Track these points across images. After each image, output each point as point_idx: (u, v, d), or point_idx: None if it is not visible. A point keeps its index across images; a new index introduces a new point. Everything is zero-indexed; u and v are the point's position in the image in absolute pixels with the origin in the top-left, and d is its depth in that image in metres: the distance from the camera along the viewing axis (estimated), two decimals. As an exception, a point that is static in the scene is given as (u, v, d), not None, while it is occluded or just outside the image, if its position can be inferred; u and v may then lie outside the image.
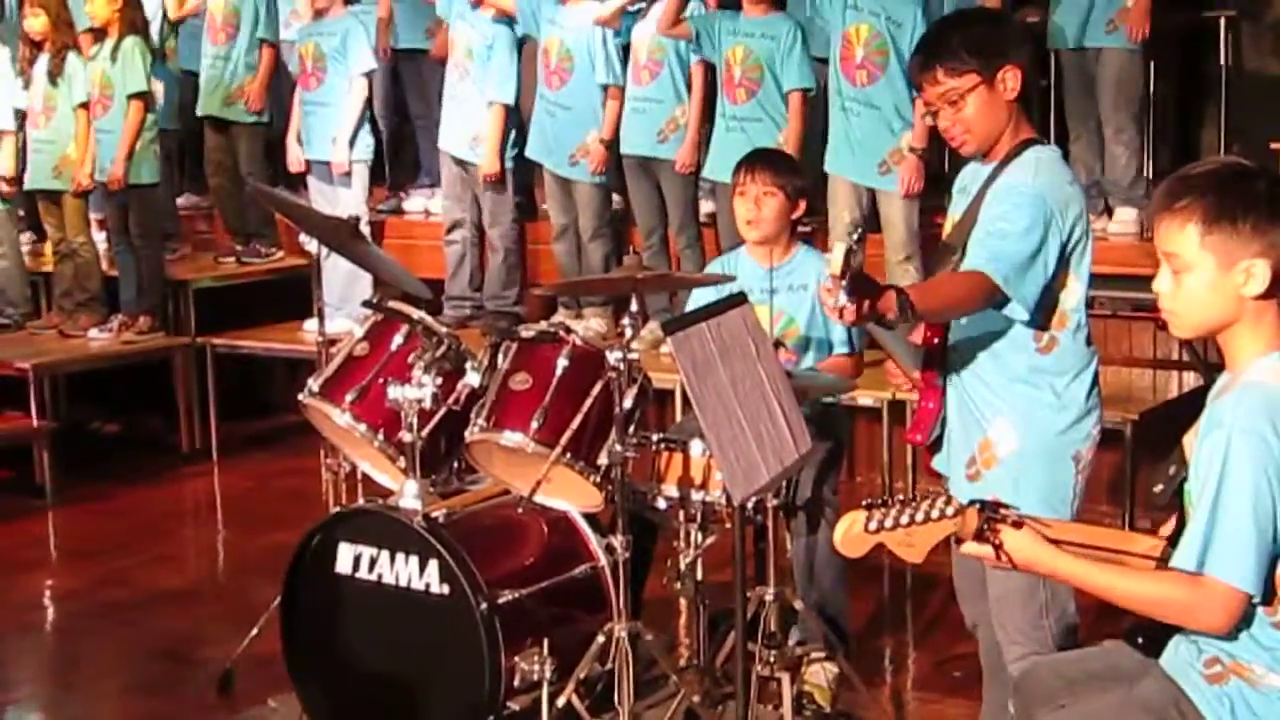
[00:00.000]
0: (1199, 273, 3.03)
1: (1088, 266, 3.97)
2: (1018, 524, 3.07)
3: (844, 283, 3.47)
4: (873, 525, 3.08)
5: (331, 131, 8.68)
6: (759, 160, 5.28)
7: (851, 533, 3.11)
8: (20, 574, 7.13)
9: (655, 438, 4.83)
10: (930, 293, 3.85)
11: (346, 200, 8.53)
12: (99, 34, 8.73)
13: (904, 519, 3.07)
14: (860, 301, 3.51)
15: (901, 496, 3.11)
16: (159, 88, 9.24)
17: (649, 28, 7.70)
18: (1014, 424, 3.95)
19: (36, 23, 8.66)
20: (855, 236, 3.65)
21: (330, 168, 8.73)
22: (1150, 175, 7.68)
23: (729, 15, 7.54)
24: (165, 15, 9.71)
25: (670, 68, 7.67)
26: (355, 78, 8.65)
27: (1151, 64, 7.69)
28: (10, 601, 6.79)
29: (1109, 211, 7.62)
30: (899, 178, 7.09)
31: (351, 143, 8.69)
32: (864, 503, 3.12)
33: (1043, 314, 3.91)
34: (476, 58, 8.21)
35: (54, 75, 8.67)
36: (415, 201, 9.54)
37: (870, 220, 7.24)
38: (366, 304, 5.43)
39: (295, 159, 8.97)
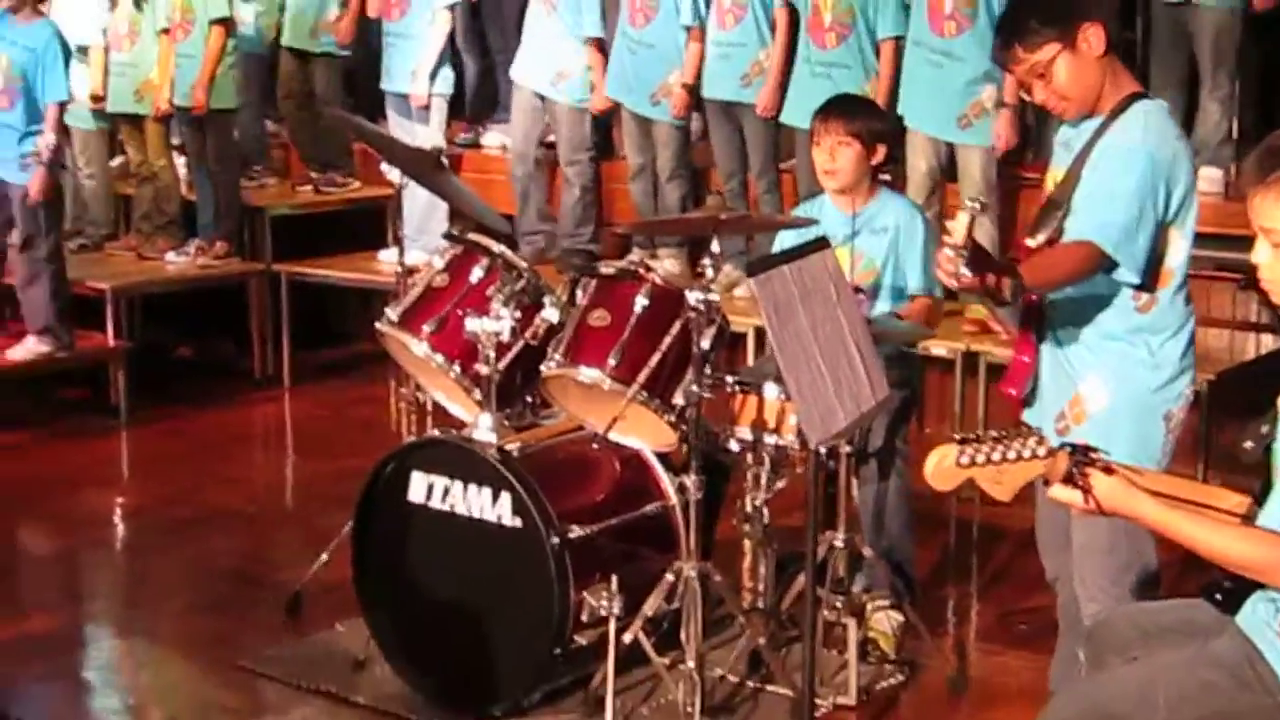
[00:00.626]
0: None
1: (1193, 224, 3.94)
2: (1108, 469, 3.06)
3: (965, 253, 3.52)
4: (964, 459, 3.08)
5: (412, 64, 8.63)
6: (834, 109, 5.24)
7: (943, 465, 3.10)
8: (92, 491, 7.22)
9: (730, 379, 4.82)
10: (1041, 268, 3.85)
11: (424, 134, 8.48)
12: None
13: (996, 455, 3.07)
14: (979, 276, 3.55)
15: (994, 433, 3.10)
16: (249, 12, 9.28)
17: None
18: (1106, 380, 3.94)
19: None
20: (978, 206, 3.65)
21: (409, 100, 8.68)
22: (1236, 136, 7.59)
23: None
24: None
25: (754, 11, 7.59)
26: (439, 10, 8.57)
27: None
28: (82, 518, 6.86)
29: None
30: (991, 131, 7.01)
31: (432, 76, 8.62)
32: (957, 437, 3.12)
33: (1151, 274, 3.88)
34: None
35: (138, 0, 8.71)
36: (492, 136, 9.50)
37: (947, 169, 7.20)
38: (447, 236, 5.43)
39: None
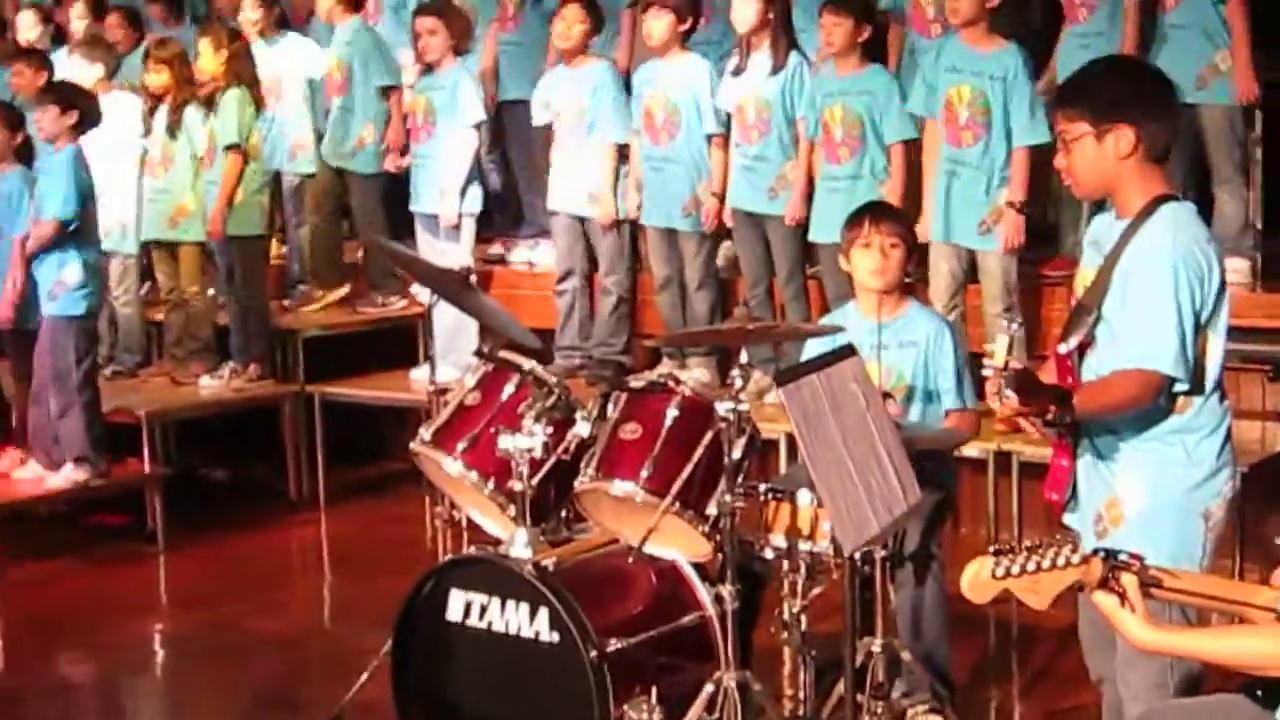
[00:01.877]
0: None
1: (1225, 321, 3.92)
2: (1144, 578, 3.06)
3: (1005, 374, 3.56)
4: (999, 571, 3.09)
5: (441, 184, 8.67)
6: (882, 212, 5.29)
7: (979, 579, 3.11)
8: (132, 618, 7.19)
9: (763, 488, 4.80)
10: (1098, 397, 3.85)
11: (454, 253, 8.50)
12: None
13: (1030, 566, 3.08)
14: (1023, 398, 3.58)
15: (1028, 543, 3.11)
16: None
17: (754, 86, 7.69)
18: (1143, 481, 3.92)
19: (158, 78, 8.76)
20: (1015, 327, 3.68)
21: (438, 220, 8.72)
22: (1259, 225, 7.60)
23: (822, 77, 7.52)
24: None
25: (777, 125, 7.64)
26: (465, 129, 8.65)
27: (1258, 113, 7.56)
28: (122, 644, 6.85)
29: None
30: (999, 234, 7.03)
31: (461, 195, 8.67)
32: (991, 549, 3.12)
33: (1196, 379, 3.89)
34: (590, 109, 8.19)
35: (172, 128, 8.78)
36: (519, 252, 9.50)
37: (969, 271, 7.22)
38: (478, 353, 5.46)
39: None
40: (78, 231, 7.72)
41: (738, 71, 7.76)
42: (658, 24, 7.74)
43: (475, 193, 8.78)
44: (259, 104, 8.86)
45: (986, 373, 3.73)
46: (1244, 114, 7.43)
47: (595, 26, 8.15)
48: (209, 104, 8.72)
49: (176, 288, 9.04)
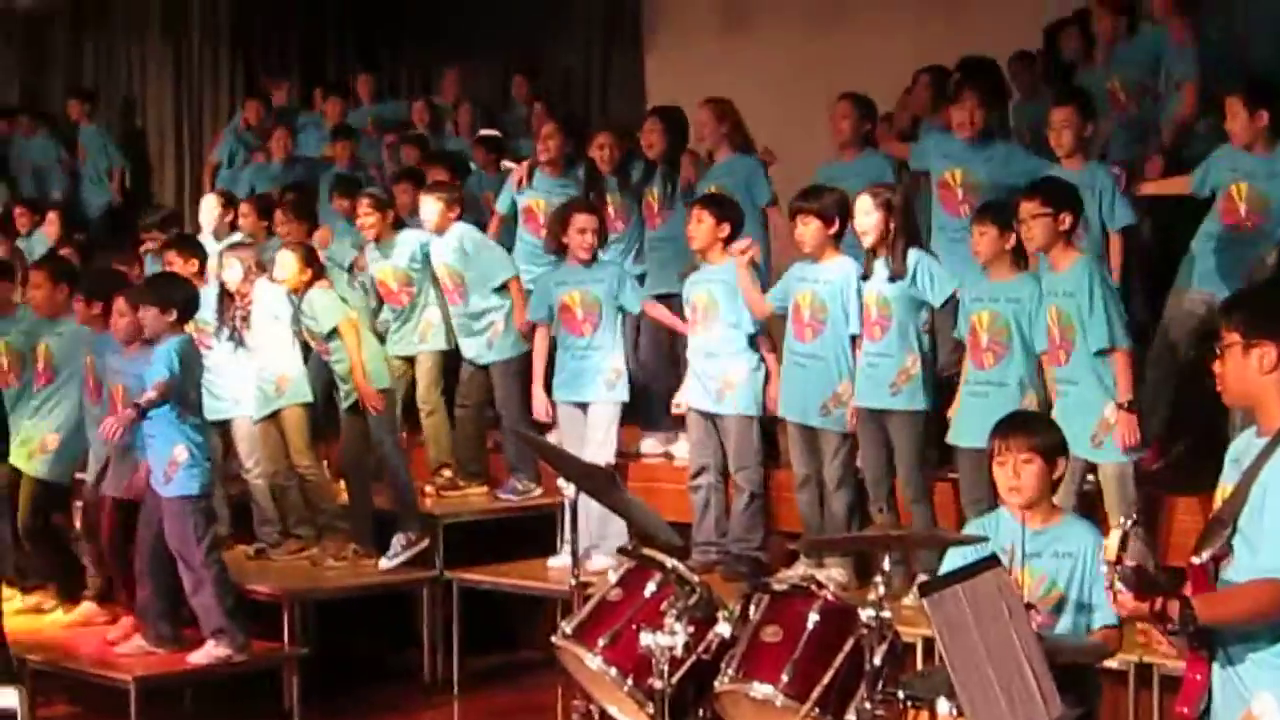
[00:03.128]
0: None
1: None
2: None
3: (1119, 569, 3.57)
4: None
5: (607, 375, 8.64)
6: (1014, 427, 5.23)
7: None
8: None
9: (902, 694, 4.81)
10: (1221, 603, 3.88)
11: (596, 443, 8.50)
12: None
13: None
14: (1138, 595, 3.60)
15: None
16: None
17: (878, 284, 7.70)
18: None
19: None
20: (1129, 523, 3.70)
21: (588, 409, 8.68)
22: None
23: (973, 279, 7.53)
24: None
25: (899, 320, 7.63)
26: (619, 323, 8.74)
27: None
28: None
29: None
30: (1115, 439, 6.95)
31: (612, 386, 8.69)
32: None
33: None
34: (722, 304, 8.23)
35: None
36: (650, 444, 9.53)
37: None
38: (622, 550, 5.53)
39: (542, 407, 8.82)
40: (181, 414, 7.85)
41: (865, 277, 7.82)
42: (806, 229, 7.84)
43: (625, 384, 8.77)
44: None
45: (1102, 569, 3.75)
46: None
47: (729, 224, 8.17)
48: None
49: (288, 462, 9.23)
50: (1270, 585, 3.81)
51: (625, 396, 8.77)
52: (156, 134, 15.29)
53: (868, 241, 7.64)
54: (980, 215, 7.35)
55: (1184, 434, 7.92)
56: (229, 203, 11.13)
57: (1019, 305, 7.23)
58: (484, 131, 11.78)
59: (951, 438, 7.45)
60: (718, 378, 8.20)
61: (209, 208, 11.02)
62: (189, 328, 8.28)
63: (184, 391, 7.84)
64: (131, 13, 15.17)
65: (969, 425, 7.18)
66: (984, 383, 7.30)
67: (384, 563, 8.86)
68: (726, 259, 8.11)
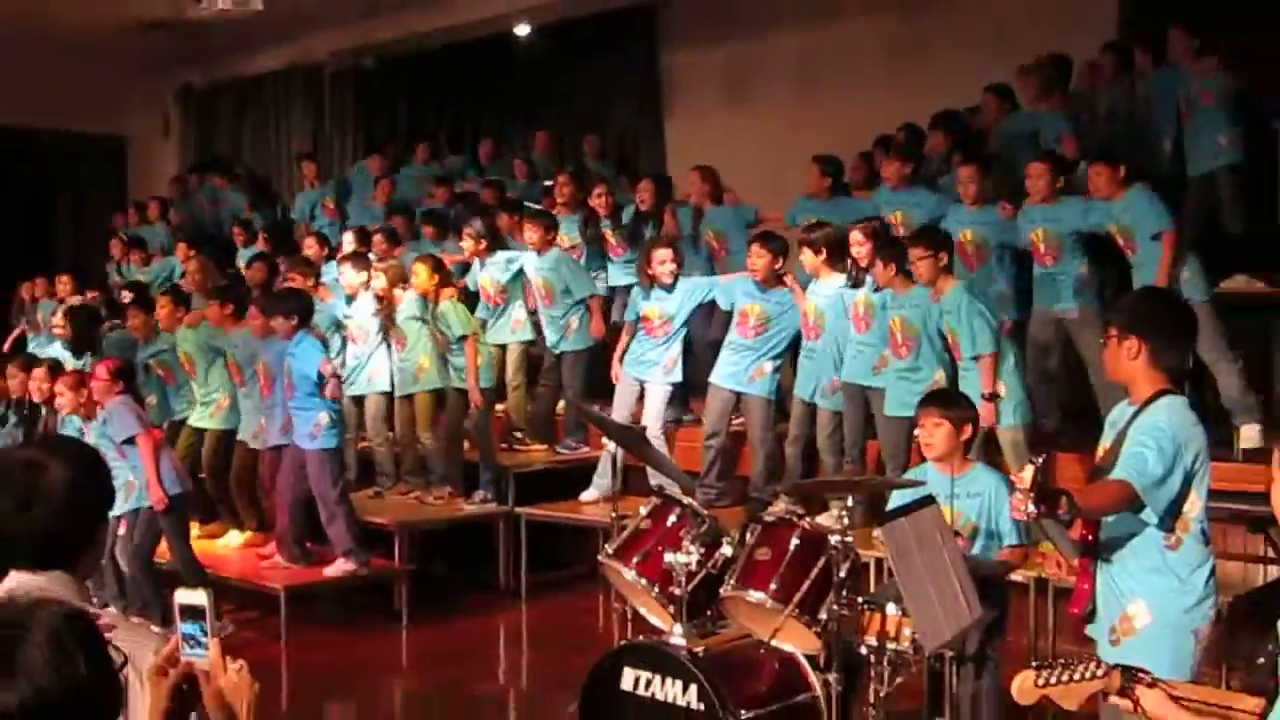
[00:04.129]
0: None
1: (1207, 486, 3.95)
2: (1151, 685, 3.08)
3: (1032, 494, 3.60)
4: (1041, 681, 3.12)
5: (658, 365, 8.53)
6: (929, 400, 5.31)
7: (1024, 686, 3.15)
8: (381, 676, 7.33)
9: (861, 600, 4.84)
10: (1089, 495, 3.90)
11: (655, 414, 8.43)
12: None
13: (1065, 677, 3.11)
14: (1045, 506, 3.62)
15: (1063, 660, 3.15)
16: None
17: (866, 292, 7.59)
18: (1148, 604, 3.93)
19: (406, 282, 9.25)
20: (1040, 461, 3.72)
21: (643, 385, 8.61)
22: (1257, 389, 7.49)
23: (889, 292, 7.45)
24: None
25: (880, 319, 7.54)
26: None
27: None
28: (374, 697, 6.98)
29: (1231, 434, 7.20)
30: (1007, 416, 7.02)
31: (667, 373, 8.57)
32: (1034, 664, 3.17)
33: (1171, 519, 3.91)
34: (771, 315, 8.10)
35: (421, 316, 9.16)
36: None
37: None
38: (655, 492, 5.56)
39: (618, 374, 8.71)
40: (321, 391, 7.91)
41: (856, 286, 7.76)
42: (806, 257, 7.83)
43: (679, 370, 8.63)
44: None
45: (1017, 494, 3.75)
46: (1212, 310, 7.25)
47: (783, 257, 8.09)
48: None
49: (406, 432, 9.29)
50: (1119, 483, 3.81)
51: (679, 378, 8.65)
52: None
53: (862, 261, 7.61)
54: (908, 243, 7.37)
55: (1069, 409, 7.99)
56: (322, 241, 11.10)
57: (921, 310, 7.23)
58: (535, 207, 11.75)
59: (885, 409, 7.45)
60: (749, 369, 8.17)
61: (348, 242, 10.96)
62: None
63: (320, 373, 7.91)
64: (281, 98, 15.19)
65: (894, 400, 7.29)
66: (903, 369, 7.32)
67: (467, 507, 8.90)
68: (782, 288, 8.10)
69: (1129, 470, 3.82)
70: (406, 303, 9.18)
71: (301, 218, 13.08)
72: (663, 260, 8.45)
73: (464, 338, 8.88)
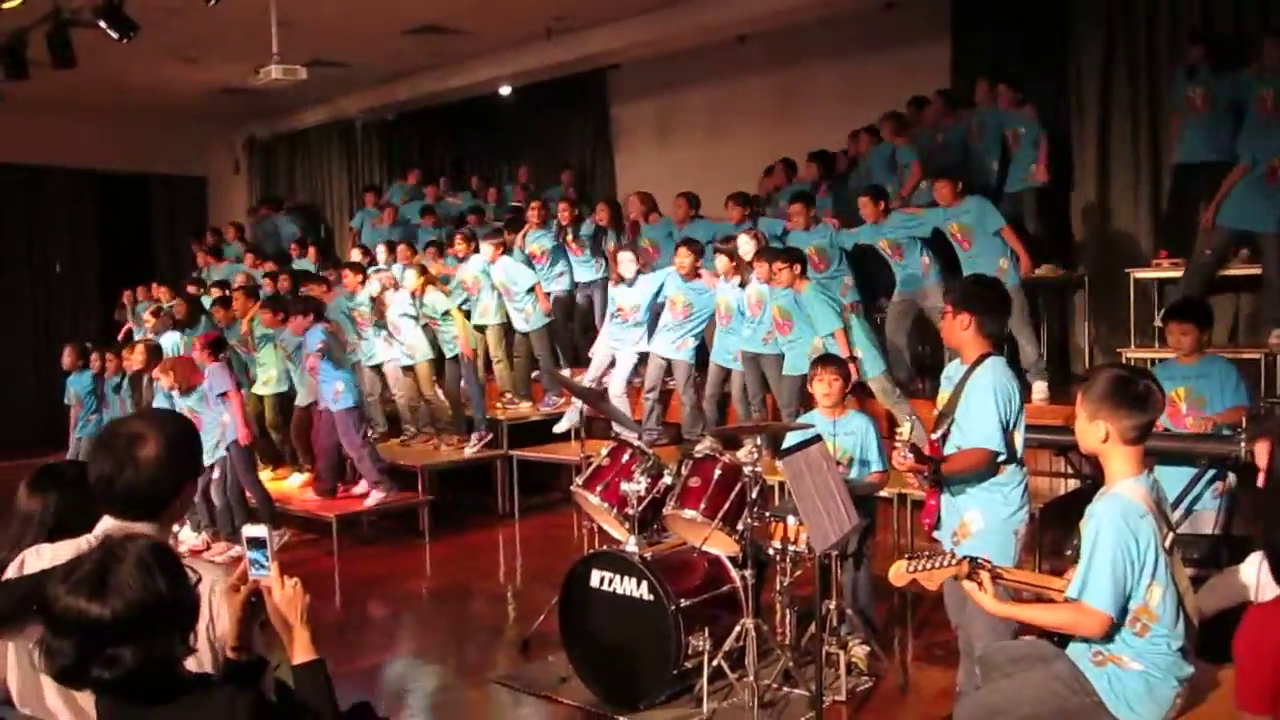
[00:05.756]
0: (1079, 422, 3.05)
1: (1023, 428, 3.93)
2: (992, 573, 3.07)
3: (909, 445, 3.60)
4: (911, 569, 3.11)
5: (679, 343, 8.12)
6: (825, 361, 5.26)
7: (898, 572, 3.14)
8: (408, 579, 7.23)
9: (769, 514, 4.83)
10: (953, 463, 3.86)
11: (684, 381, 8.18)
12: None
13: (929, 565, 3.10)
14: (915, 460, 3.61)
15: (927, 552, 3.13)
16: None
17: (756, 287, 7.54)
18: (980, 513, 3.91)
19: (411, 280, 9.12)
20: (917, 419, 3.70)
21: (617, 356, 8.46)
22: (1044, 359, 7.55)
23: (771, 290, 7.40)
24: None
25: (766, 306, 7.50)
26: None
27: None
28: (403, 594, 6.89)
29: (1028, 387, 7.23)
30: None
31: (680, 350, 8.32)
32: (906, 555, 3.14)
33: (1009, 453, 3.88)
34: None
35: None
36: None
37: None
38: (612, 437, 5.50)
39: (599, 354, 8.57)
40: (336, 364, 7.78)
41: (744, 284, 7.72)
42: (760, 268, 7.54)
43: (691, 349, 8.28)
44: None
45: (898, 444, 3.75)
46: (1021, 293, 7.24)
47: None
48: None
49: (419, 393, 9.16)
50: (975, 450, 3.80)
51: (645, 349, 8.45)
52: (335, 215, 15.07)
53: (745, 256, 7.62)
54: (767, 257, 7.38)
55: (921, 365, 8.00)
56: (366, 251, 10.93)
57: (789, 298, 7.23)
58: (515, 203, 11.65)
59: (783, 370, 7.43)
60: (676, 341, 8.03)
61: (358, 255, 10.84)
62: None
63: (332, 353, 7.78)
64: (324, 145, 14.95)
65: (789, 364, 7.33)
66: (788, 341, 7.35)
67: (468, 450, 8.78)
68: (699, 281, 7.99)
69: (981, 435, 3.79)
70: (396, 304, 9.01)
71: (357, 225, 12.82)
72: (623, 262, 8.35)
73: (447, 312, 8.83)
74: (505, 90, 12.55)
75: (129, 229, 14.65)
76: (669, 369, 8.22)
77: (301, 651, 2.38)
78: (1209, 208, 7.04)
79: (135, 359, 8.56)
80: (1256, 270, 7.00)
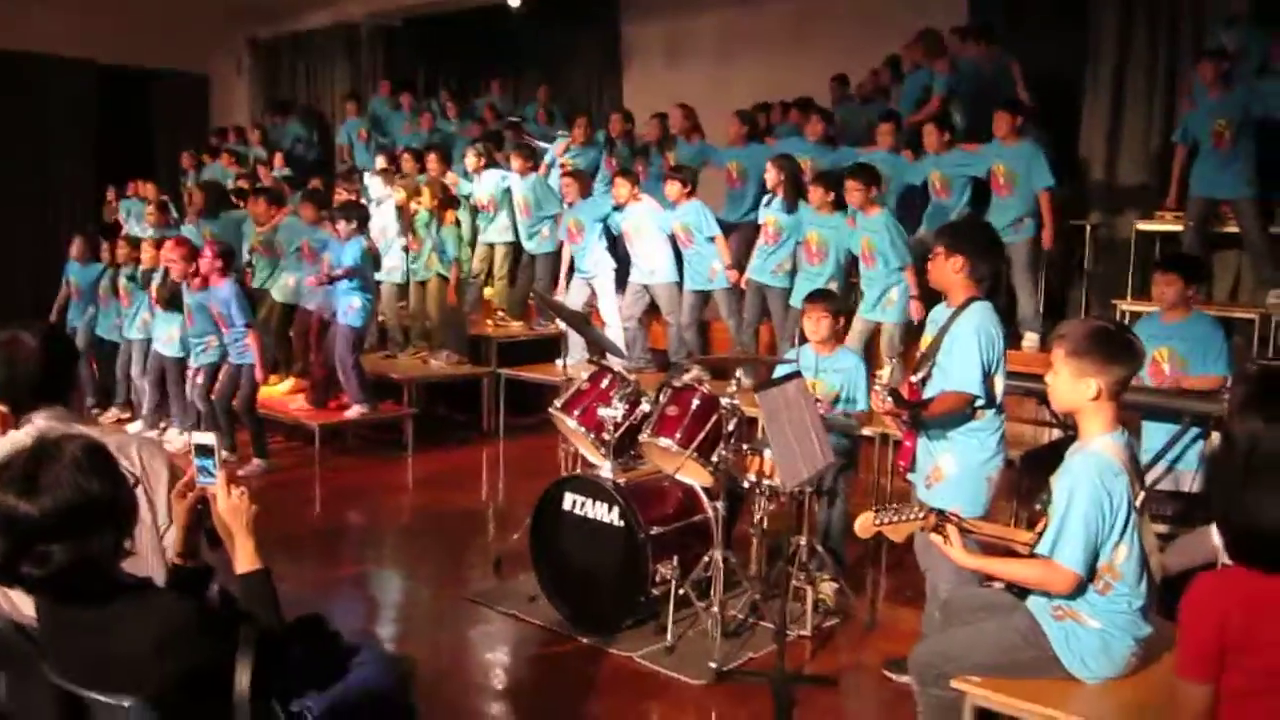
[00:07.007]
0: (1060, 379, 2.98)
1: (1004, 374, 3.87)
2: (958, 526, 3.03)
3: (889, 387, 3.56)
4: (878, 521, 3.09)
5: (704, 270, 7.93)
6: (817, 297, 5.20)
7: (864, 523, 3.12)
8: (391, 493, 7.23)
9: (745, 447, 4.78)
10: (935, 406, 3.81)
11: (604, 302, 8.30)
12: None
13: (895, 518, 3.07)
14: (894, 403, 3.55)
15: (894, 506, 3.11)
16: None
17: (776, 212, 7.42)
18: (954, 458, 3.87)
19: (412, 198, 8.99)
20: (896, 361, 3.65)
21: (592, 284, 8.45)
22: (1042, 313, 7.46)
23: (809, 216, 7.24)
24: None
25: (784, 236, 7.41)
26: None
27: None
28: (384, 507, 6.90)
29: (1020, 337, 7.23)
30: (899, 312, 6.81)
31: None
32: (874, 507, 3.12)
33: (989, 399, 3.83)
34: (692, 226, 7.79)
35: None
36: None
37: (875, 331, 7.05)
38: (591, 360, 5.45)
39: (564, 285, 8.59)
40: (361, 282, 7.68)
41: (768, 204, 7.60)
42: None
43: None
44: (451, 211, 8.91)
45: (878, 386, 3.71)
46: (1035, 246, 7.22)
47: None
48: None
49: (421, 308, 9.07)
50: (957, 395, 3.75)
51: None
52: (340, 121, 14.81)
53: (773, 185, 7.45)
54: (814, 182, 7.24)
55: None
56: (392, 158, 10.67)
57: (835, 230, 7.09)
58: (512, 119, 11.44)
59: (790, 301, 7.35)
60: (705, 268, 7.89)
61: (379, 162, 10.57)
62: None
63: (362, 270, 7.70)
64: (326, 50, 14.65)
65: (798, 295, 7.09)
66: (812, 273, 7.20)
67: (450, 367, 8.71)
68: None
69: (962, 379, 3.73)
70: (420, 215, 8.91)
71: (344, 142, 12.67)
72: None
73: (456, 260, 8.77)
74: (515, 1, 12.27)
75: (130, 126, 14.44)
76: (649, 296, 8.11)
77: (245, 561, 2.35)
78: (1172, 186, 7.21)
79: (161, 255, 7.92)
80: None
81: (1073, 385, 2.94)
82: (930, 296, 7.25)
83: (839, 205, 7.06)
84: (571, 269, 8.58)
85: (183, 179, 12.59)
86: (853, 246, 7.00)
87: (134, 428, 8.19)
